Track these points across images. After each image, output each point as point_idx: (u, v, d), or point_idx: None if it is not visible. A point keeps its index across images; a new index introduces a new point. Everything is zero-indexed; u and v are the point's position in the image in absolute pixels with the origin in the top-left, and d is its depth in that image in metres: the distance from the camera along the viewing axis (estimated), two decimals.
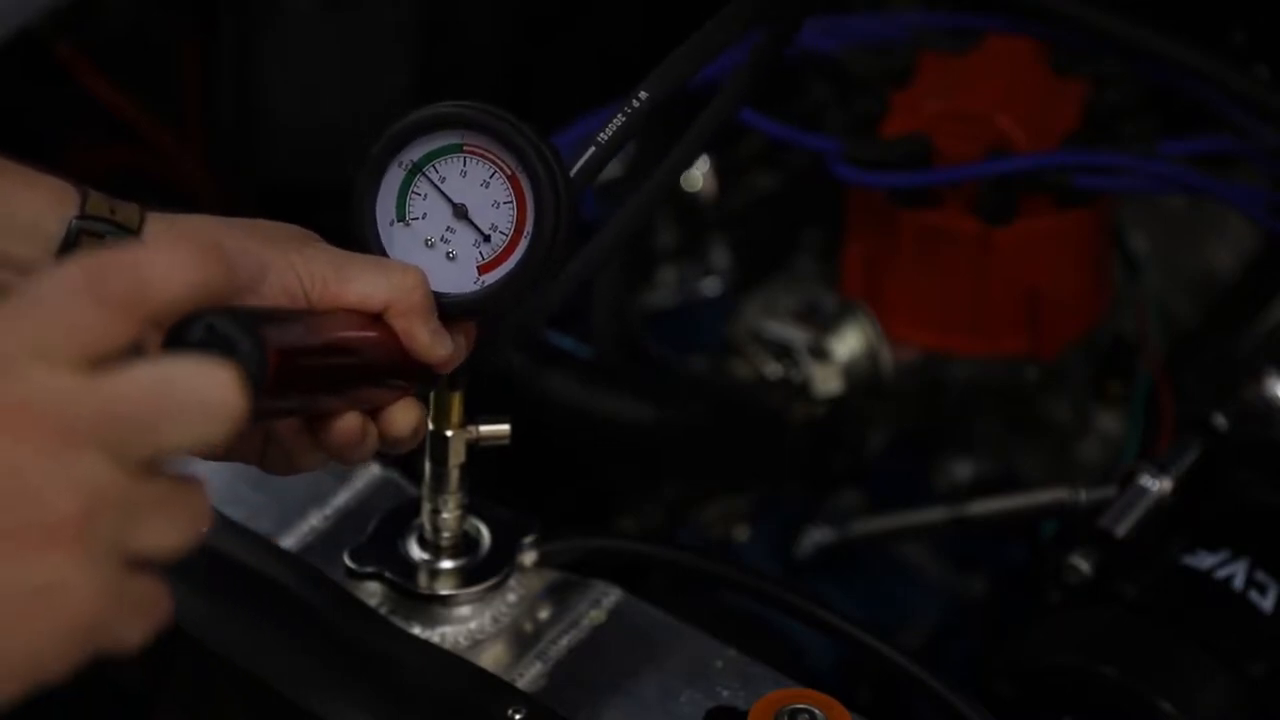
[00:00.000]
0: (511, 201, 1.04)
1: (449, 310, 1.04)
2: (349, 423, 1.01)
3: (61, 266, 0.77)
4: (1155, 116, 1.49)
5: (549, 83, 1.81)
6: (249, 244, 1.00)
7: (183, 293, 0.78)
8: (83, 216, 1.00)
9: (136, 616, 0.78)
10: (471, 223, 1.04)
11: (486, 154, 1.04)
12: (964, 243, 1.47)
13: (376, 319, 1.01)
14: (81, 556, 0.75)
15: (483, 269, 1.04)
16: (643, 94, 1.08)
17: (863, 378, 1.54)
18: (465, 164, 1.04)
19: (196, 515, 0.79)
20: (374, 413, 1.03)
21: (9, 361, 0.75)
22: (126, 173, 1.84)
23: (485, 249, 1.04)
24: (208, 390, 0.77)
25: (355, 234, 1.05)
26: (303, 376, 0.95)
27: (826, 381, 1.53)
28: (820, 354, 1.53)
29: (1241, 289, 1.63)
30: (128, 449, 0.76)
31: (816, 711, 1.08)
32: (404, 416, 1.03)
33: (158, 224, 1.02)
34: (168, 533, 0.78)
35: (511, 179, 1.03)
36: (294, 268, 1.00)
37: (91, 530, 0.75)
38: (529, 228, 1.03)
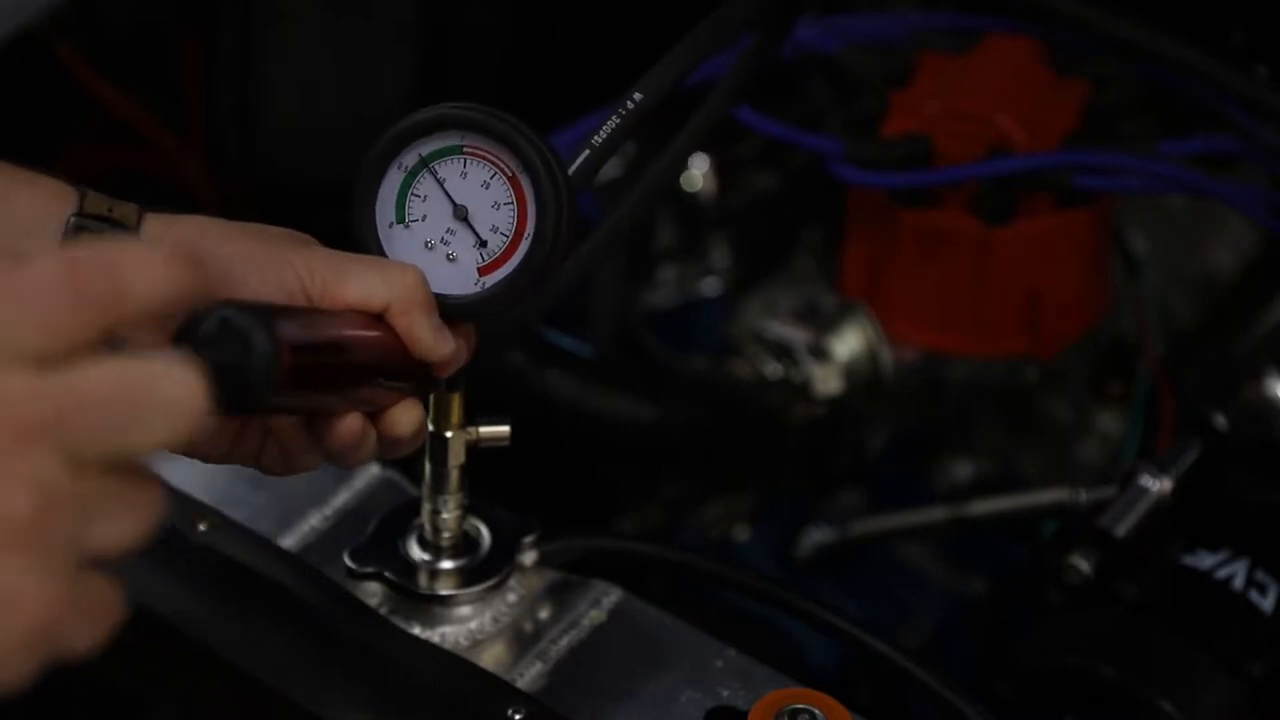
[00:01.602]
0: (512, 203, 1.04)
1: (450, 312, 1.04)
2: (351, 423, 1.01)
3: (41, 257, 0.75)
4: (1155, 116, 1.49)
5: (550, 83, 1.81)
6: (247, 245, 1.00)
7: (157, 298, 0.77)
8: (81, 214, 1.00)
9: (91, 619, 0.76)
10: (471, 224, 1.04)
11: (487, 155, 1.04)
12: (964, 243, 1.47)
13: (378, 319, 1.01)
14: (35, 560, 0.73)
15: (483, 270, 1.04)
16: (637, 95, 1.08)
17: (863, 378, 1.54)
18: (465, 165, 1.04)
19: (151, 509, 0.77)
20: (374, 414, 1.03)
21: None
22: (126, 173, 1.84)
23: (486, 250, 1.04)
24: (169, 390, 0.75)
25: (355, 235, 1.05)
26: (308, 374, 0.95)
27: (826, 381, 1.53)
28: (820, 354, 1.53)
29: (1241, 289, 1.63)
30: (84, 448, 0.74)
31: (816, 711, 1.08)
32: (405, 417, 1.03)
33: (156, 224, 1.02)
34: (122, 529, 0.76)
35: (512, 180, 1.03)
36: (293, 267, 1.00)
37: (46, 531, 0.73)
38: (530, 229, 1.03)
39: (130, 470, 0.76)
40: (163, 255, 0.77)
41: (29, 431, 0.73)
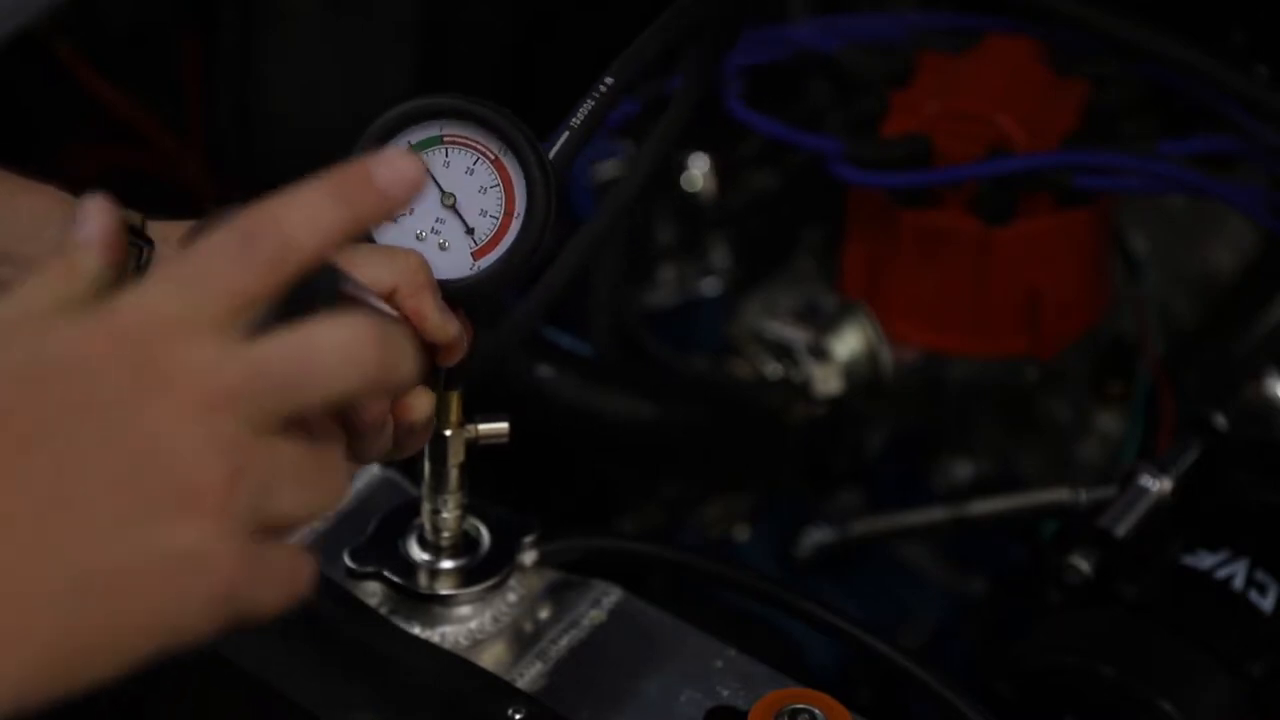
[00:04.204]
0: (498, 185, 1.05)
1: (449, 296, 1.04)
2: (377, 405, 1.01)
3: (216, 232, 0.79)
4: (1155, 116, 1.49)
5: (550, 83, 1.81)
6: None
7: (322, 246, 0.80)
8: None
9: (275, 583, 0.79)
10: (459, 211, 1.05)
11: (467, 142, 1.05)
12: (964, 243, 1.47)
13: None
14: (223, 524, 0.76)
15: (477, 254, 1.05)
16: (608, 79, 1.10)
17: (863, 378, 1.54)
18: (448, 155, 1.05)
19: (334, 481, 0.80)
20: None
21: (154, 331, 0.77)
22: (126, 173, 1.84)
23: (477, 234, 1.05)
24: (348, 342, 0.78)
25: None
26: None
27: (826, 381, 1.53)
28: (820, 354, 1.53)
29: (1241, 289, 1.63)
30: (270, 411, 0.78)
31: (816, 711, 1.08)
32: (419, 402, 1.03)
33: (158, 231, 1.02)
34: (306, 498, 0.79)
35: (495, 163, 1.04)
36: None
37: (234, 497, 0.76)
38: (519, 208, 1.04)
39: (312, 443, 0.79)
40: (318, 195, 0.80)
41: (217, 400, 0.76)
